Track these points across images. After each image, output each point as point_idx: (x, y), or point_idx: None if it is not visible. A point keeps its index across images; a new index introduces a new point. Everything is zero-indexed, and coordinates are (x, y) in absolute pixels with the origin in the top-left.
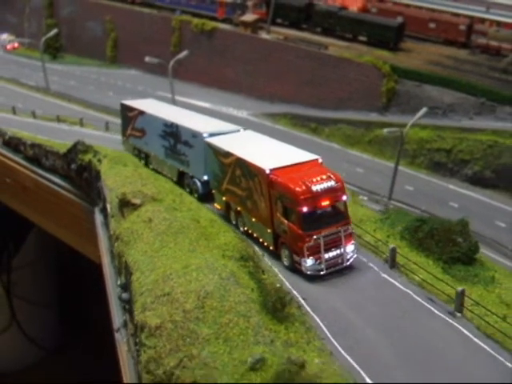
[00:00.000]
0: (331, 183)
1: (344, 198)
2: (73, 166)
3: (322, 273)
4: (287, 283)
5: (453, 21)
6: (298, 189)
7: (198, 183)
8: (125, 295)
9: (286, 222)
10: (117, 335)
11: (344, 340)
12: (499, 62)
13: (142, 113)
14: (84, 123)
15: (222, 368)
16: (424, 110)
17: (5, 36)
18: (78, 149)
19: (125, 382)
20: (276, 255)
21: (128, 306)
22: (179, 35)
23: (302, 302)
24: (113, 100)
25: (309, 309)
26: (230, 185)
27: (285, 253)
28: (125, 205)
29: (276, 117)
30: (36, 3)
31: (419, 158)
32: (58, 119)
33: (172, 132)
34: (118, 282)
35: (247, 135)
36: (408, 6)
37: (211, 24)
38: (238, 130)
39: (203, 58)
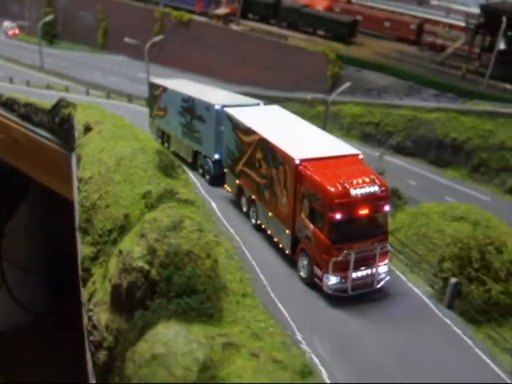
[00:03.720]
0: (374, 188)
1: (387, 208)
2: (56, 120)
3: (345, 294)
4: (191, 175)
5: (405, 20)
6: (332, 189)
7: (210, 163)
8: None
9: (311, 226)
10: (77, 233)
11: (212, 195)
12: (438, 56)
13: (165, 90)
14: (69, 90)
15: (126, 197)
16: (347, 84)
17: (7, 23)
18: (61, 105)
19: (79, 258)
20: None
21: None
22: (160, 25)
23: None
24: (99, 78)
25: (195, 180)
26: (246, 167)
27: (303, 262)
28: (88, 130)
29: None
30: None
31: (353, 130)
32: (48, 87)
33: (189, 107)
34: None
35: (274, 111)
36: (371, 7)
37: (188, 16)
38: (258, 104)
39: (181, 45)
